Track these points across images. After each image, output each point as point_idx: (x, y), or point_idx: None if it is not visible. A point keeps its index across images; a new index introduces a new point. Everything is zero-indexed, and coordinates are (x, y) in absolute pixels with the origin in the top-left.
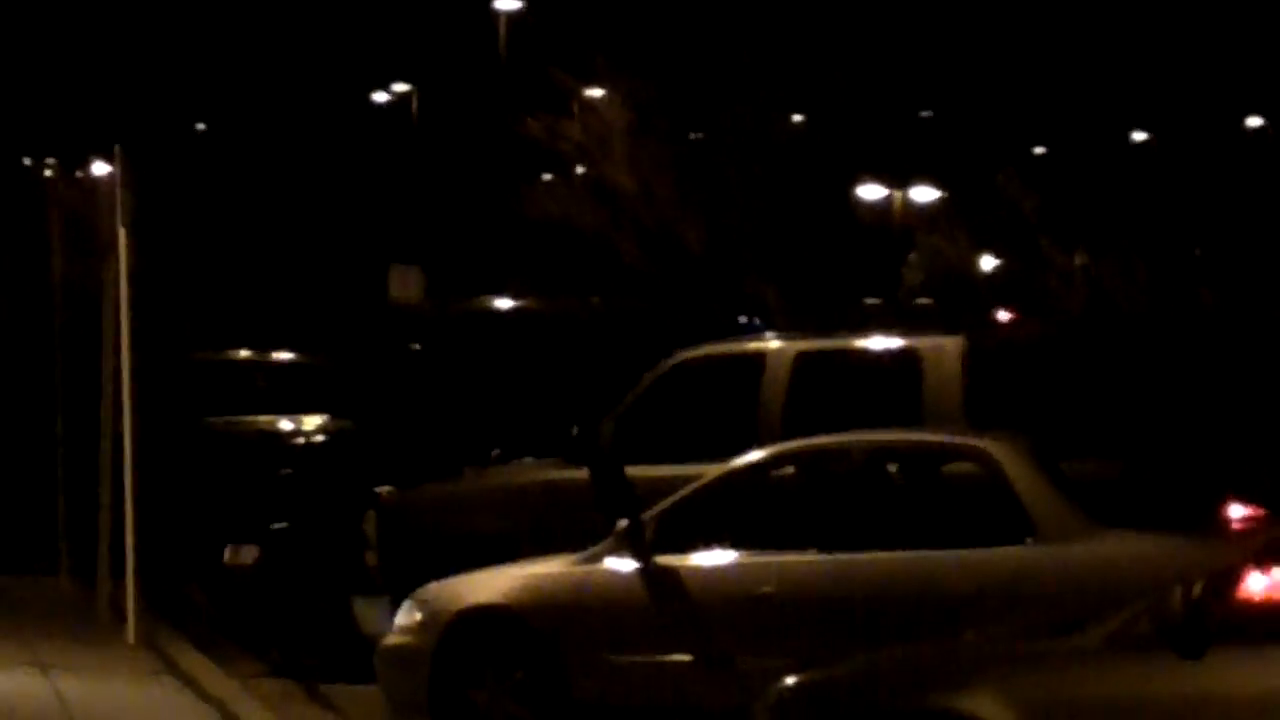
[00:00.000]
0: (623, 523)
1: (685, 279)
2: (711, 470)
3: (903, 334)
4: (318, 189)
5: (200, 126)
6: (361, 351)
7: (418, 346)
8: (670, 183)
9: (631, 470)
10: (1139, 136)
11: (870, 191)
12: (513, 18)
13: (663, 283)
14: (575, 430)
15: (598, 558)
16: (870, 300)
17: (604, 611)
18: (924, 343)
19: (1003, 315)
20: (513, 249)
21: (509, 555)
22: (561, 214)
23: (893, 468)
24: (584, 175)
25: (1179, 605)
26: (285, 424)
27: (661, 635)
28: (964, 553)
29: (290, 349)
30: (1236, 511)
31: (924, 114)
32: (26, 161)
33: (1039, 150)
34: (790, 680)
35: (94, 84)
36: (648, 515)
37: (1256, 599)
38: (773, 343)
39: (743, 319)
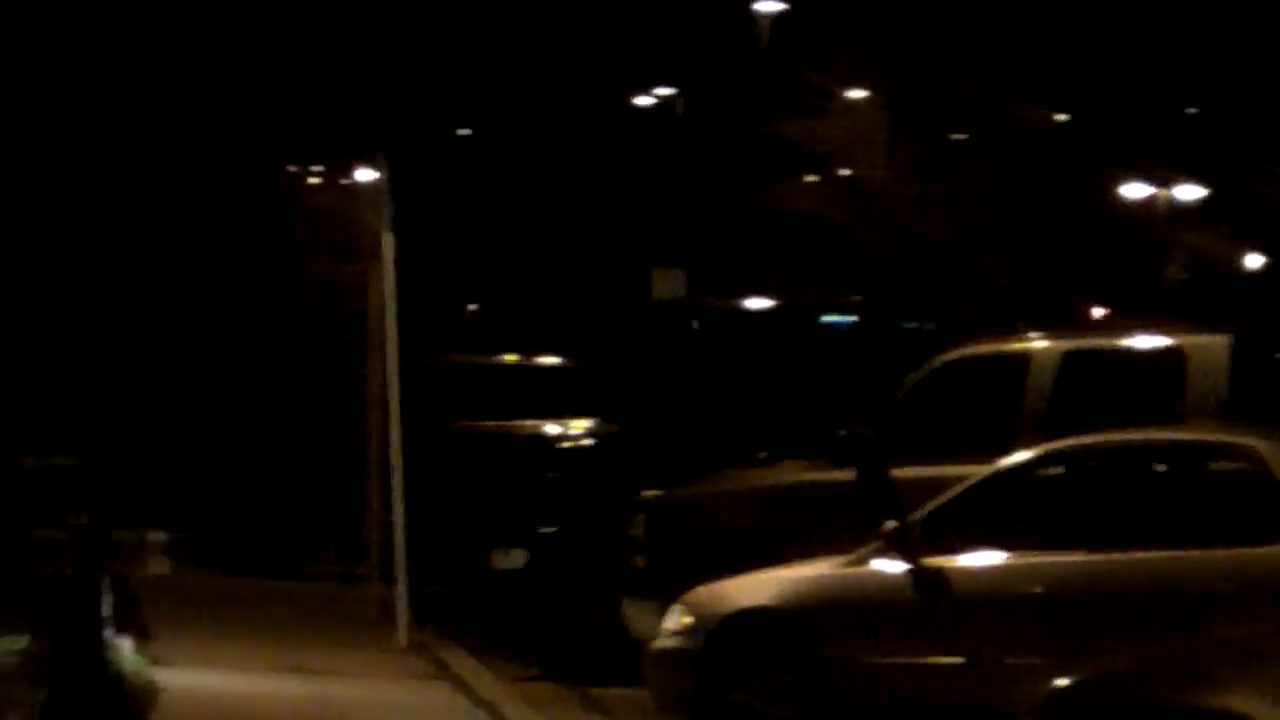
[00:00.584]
0: (889, 524)
1: (939, 277)
2: (978, 470)
3: (1167, 332)
4: (581, 193)
5: (464, 131)
6: (626, 354)
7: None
8: (924, 181)
9: (897, 471)
10: None
11: (1134, 190)
12: (774, 19)
13: (918, 280)
14: (841, 431)
15: (864, 559)
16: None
17: (870, 613)
18: (1189, 340)
19: (1097, 312)
20: (771, 248)
21: (776, 557)
22: (818, 212)
23: (1159, 466)
24: (839, 173)
25: None
26: (552, 428)
27: (928, 636)
28: (1230, 551)
29: (556, 353)
30: None
31: (1189, 111)
32: (291, 168)
33: None
34: (1060, 681)
35: (359, 90)
36: (914, 516)
37: None
38: (1038, 342)
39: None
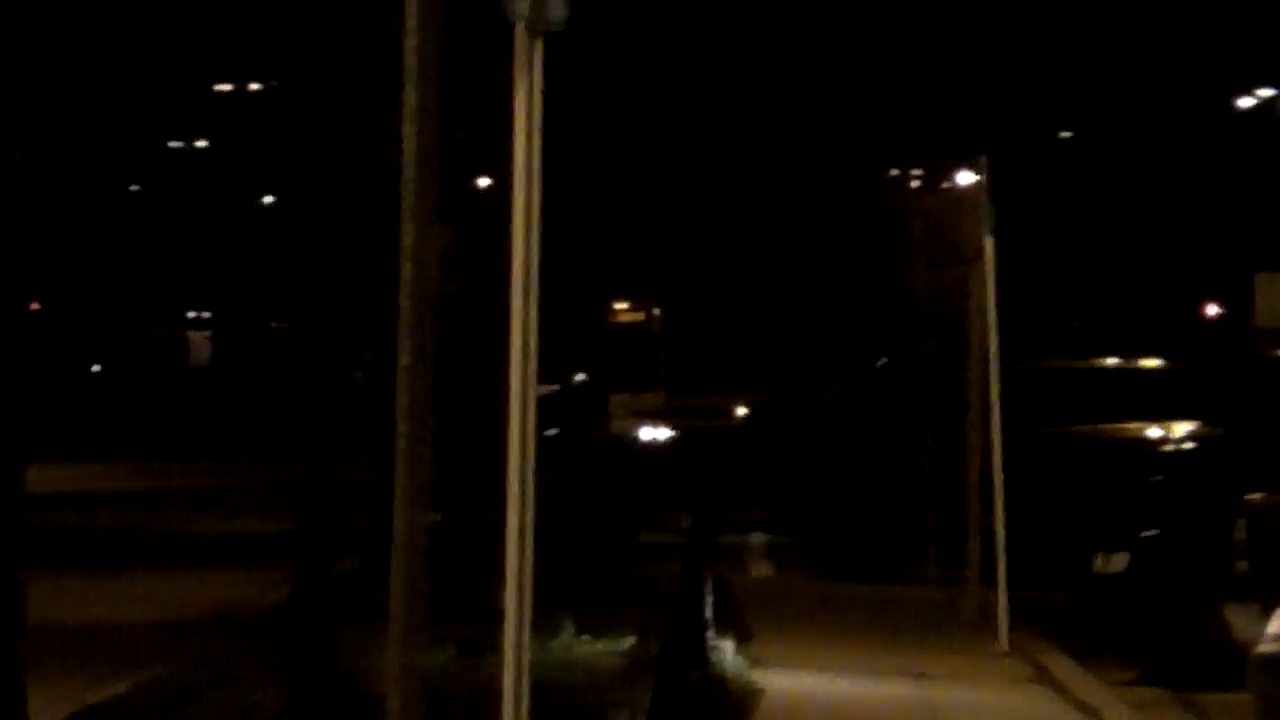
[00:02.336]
0: None
1: None
2: None
3: None
4: (1180, 196)
5: (1065, 134)
6: (1229, 357)
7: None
8: None
9: None
10: None
11: None
12: None
13: None
14: None
15: None
16: None
17: None
18: None
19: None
20: None
21: None
22: None
23: None
24: None
25: None
26: (1154, 431)
27: None
28: None
29: (1158, 355)
30: None
31: None
32: (893, 172)
33: None
34: None
35: (961, 93)
36: None
37: None
38: None
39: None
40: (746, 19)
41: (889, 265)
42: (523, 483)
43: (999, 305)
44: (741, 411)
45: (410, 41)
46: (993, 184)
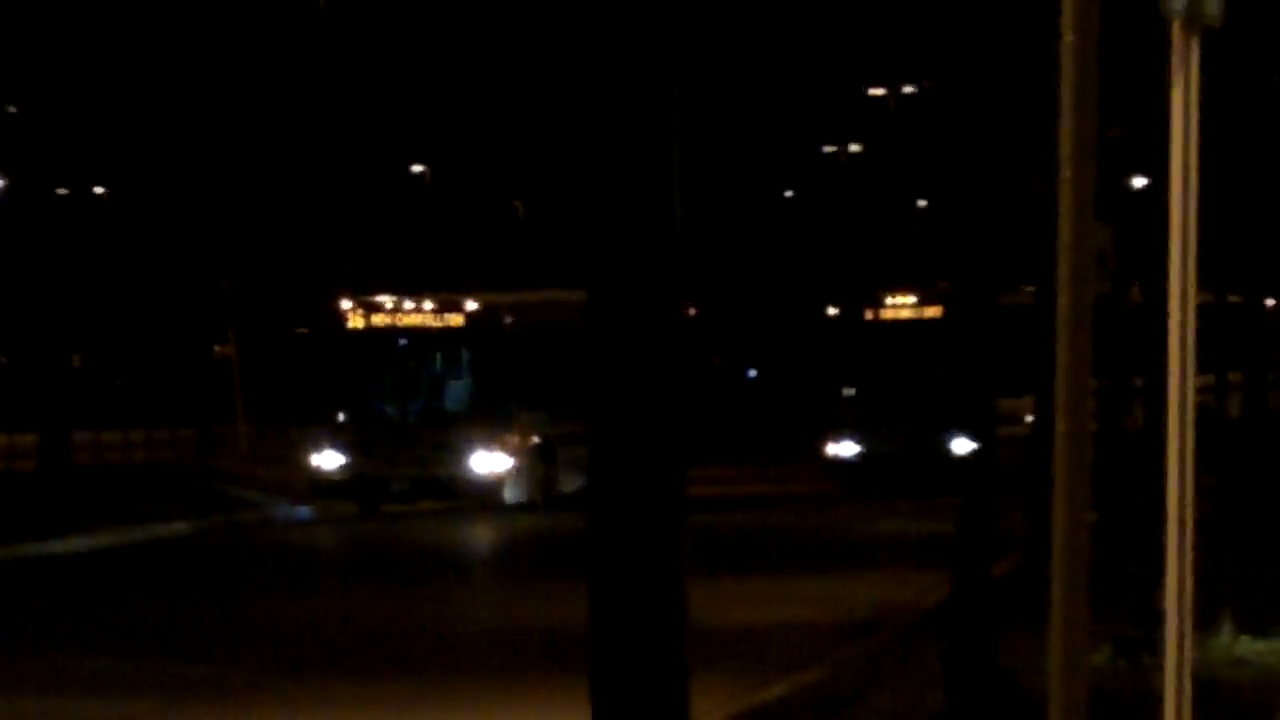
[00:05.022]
0: None
1: None
2: None
3: None
4: None
5: None
6: None
7: None
8: None
9: None
10: None
11: None
12: None
13: None
14: None
15: None
16: None
17: None
18: None
19: None
20: None
21: None
22: None
23: None
24: None
25: None
26: None
27: None
28: None
29: None
30: None
31: None
32: None
33: None
34: None
35: None
36: None
37: None
38: None
39: None
40: None
41: None
42: (1182, 480)
43: None
44: None
45: (1066, 39)
46: None
